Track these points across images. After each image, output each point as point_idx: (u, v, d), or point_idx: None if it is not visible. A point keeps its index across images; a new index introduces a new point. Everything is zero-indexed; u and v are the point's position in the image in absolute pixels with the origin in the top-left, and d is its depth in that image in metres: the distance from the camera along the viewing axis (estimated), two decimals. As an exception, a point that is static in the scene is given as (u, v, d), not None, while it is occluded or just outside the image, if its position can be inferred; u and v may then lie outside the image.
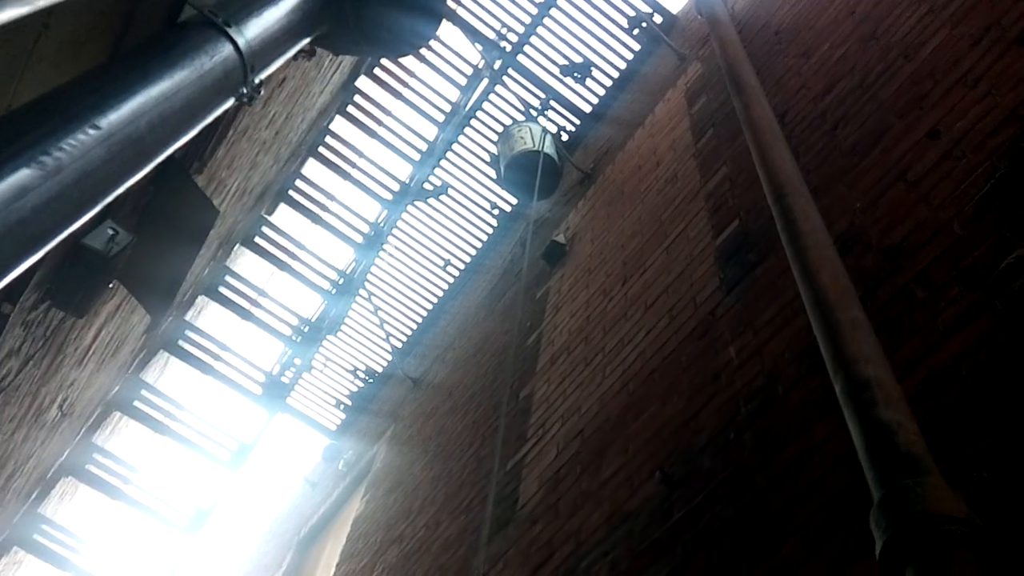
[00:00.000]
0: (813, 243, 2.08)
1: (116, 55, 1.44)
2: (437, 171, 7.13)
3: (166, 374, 7.12)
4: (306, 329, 7.54)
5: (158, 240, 2.32)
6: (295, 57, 2.02)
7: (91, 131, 1.23)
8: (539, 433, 3.74)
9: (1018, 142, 1.95)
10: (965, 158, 2.11)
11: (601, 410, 3.24)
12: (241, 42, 1.59)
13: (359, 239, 7.31)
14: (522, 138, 6.13)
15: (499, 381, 4.80)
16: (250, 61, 1.65)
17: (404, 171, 7.48)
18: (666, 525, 2.33)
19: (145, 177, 2.59)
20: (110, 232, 2.04)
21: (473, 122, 6.93)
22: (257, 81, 1.70)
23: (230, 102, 1.65)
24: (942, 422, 1.66)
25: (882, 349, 1.70)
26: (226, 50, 1.60)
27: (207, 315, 7.28)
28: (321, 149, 6.97)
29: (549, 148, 6.14)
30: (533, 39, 6.49)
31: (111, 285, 2.29)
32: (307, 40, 1.89)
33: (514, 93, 6.64)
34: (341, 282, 7.48)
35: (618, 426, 3.02)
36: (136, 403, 6.29)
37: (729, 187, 3.39)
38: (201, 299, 6.74)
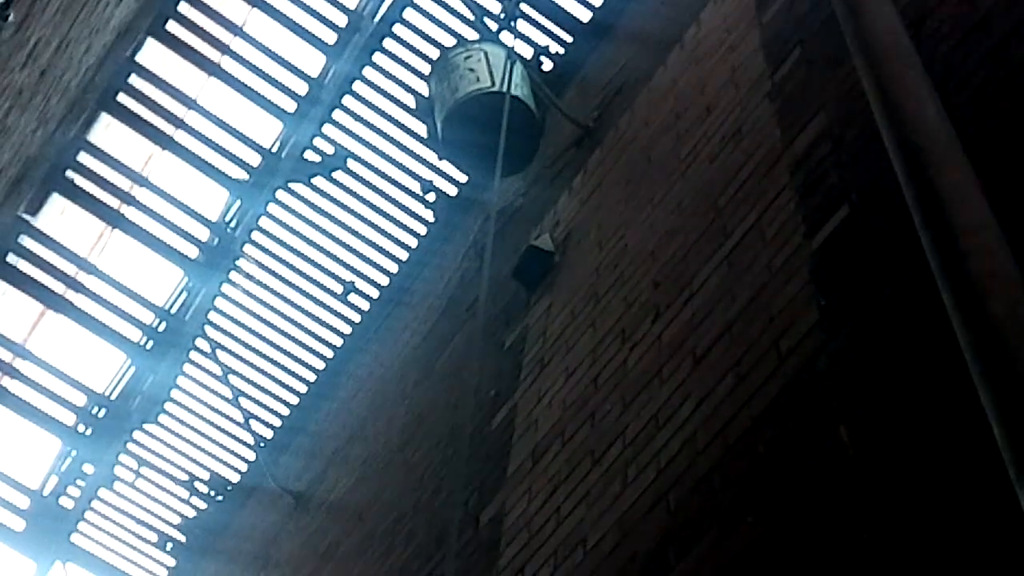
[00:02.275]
0: (979, 249, 2.07)
1: None
2: (327, 130, 7.09)
3: None
4: (101, 413, 7.40)
5: None
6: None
7: None
8: (515, 584, 3.75)
9: None
10: None
11: (623, 543, 3.26)
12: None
13: (192, 253, 7.23)
14: (472, 70, 6.15)
15: (445, 494, 4.79)
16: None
17: (269, 132, 7.43)
18: None
19: None
20: None
21: (388, 43, 6.90)
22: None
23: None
24: None
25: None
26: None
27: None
28: (121, 97, 6.85)
29: (521, 87, 6.13)
30: None
31: None
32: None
33: (457, -9, 6.66)
34: (162, 328, 7.38)
35: (652, 571, 3.02)
36: None
37: (831, 148, 3.42)
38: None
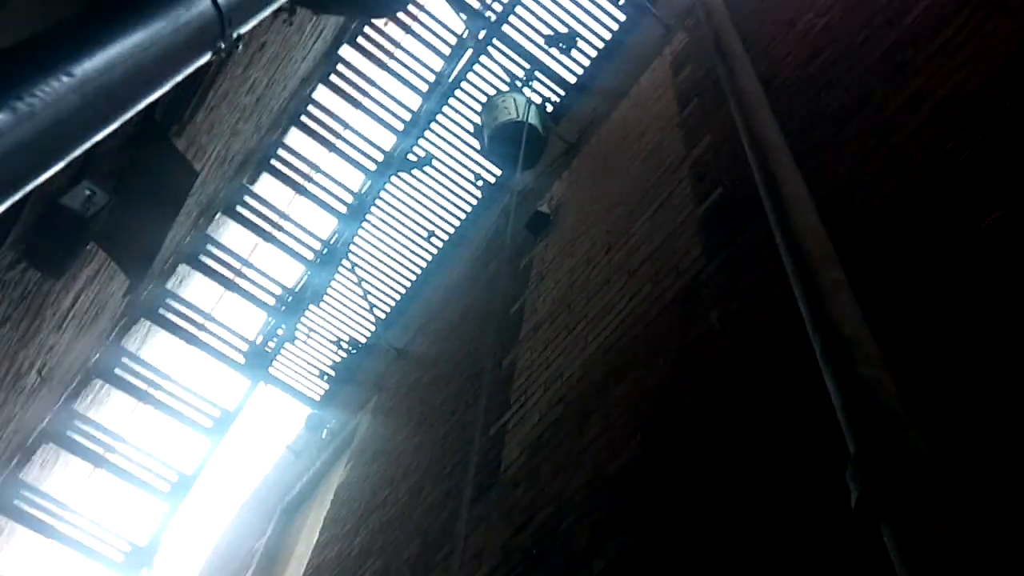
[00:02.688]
0: (796, 208, 2.09)
1: (90, 5, 1.40)
2: (421, 142, 7.08)
3: (148, 343, 7.04)
4: (289, 299, 7.44)
5: (137, 202, 2.28)
6: (275, 15, 1.98)
7: (65, 78, 1.20)
8: (521, 399, 3.75)
9: (999, 105, 1.95)
10: (947, 122, 2.11)
11: (584, 376, 3.26)
12: (219, -6, 1.55)
13: (342, 209, 7.24)
14: (506, 108, 6.10)
15: (482, 350, 4.79)
16: (228, 15, 1.62)
17: (388, 141, 7.42)
18: (646, 487, 2.35)
19: (124, 138, 2.54)
20: (87, 192, 2.00)
21: (457, 92, 6.87)
22: (235, 35, 1.67)
23: (207, 56, 1.61)
24: (919, 384, 1.67)
25: (861, 310, 1.70)
26: (203, 3, 1.57)
27: (189, 285, 7.21)
28: (304, 118, 6.88)
29: (534, 118, 6.10)
30: (518, 8, 6.43)
31: (88, 247, 2.26)
32: (287, -5, 1.85)
33: (499, 63, 6.59)
34: (324, 252, 7.39)
35: (600, 391, 3.03)
36: (117, 371, 6.22)
37: (713, 156, 3.40)
38: (183, 268, 6.66)
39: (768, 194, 2.23)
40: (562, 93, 6.70)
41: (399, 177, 7.19)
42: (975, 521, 1.30)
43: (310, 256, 7.32)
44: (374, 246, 7.45)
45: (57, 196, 1.97)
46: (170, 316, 6.75)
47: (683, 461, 2.27)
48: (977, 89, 2.08)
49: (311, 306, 7.50)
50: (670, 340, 2.78)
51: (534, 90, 6.69)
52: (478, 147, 6.99)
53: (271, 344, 7.72)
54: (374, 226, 7.37)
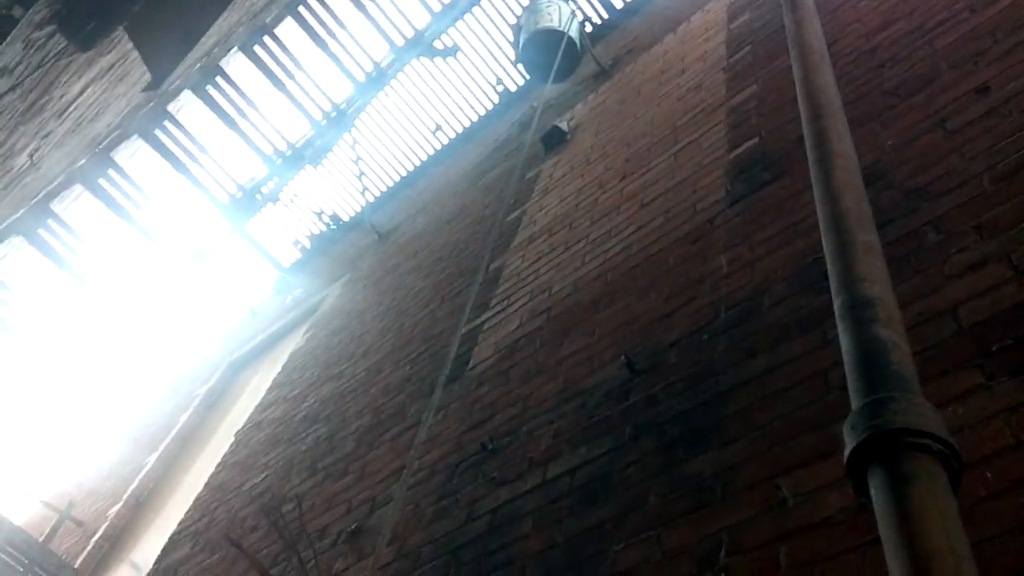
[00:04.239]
0: (842, 165, 2.03)
1: None
2: (452, 31, 6.85)
3: (135, 160, 6.86)
4: (288, 153, 7.26)
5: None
6: None
7: None
8: (503, 304, 3.73)
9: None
10: (1011, 117, 2.08)
11: (573, 293, 3.24)
12: None
13: (360, 77, 7.02)
14: (549, 15, 5.91)
15: (470, 250, 4.75)
16: None
17: (422, 19, 7.17)
18: (620, 406, 2.37)
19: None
20: (133, -30, 1.90)
21: (501, -14, 6.66)
22: None
23: None
24: (926, 359, 1.69)
25: (889, 276, 1.69)
26: None
27: (188, 112, 6.98)
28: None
29: (574, 32, 5.93)
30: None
31: (116, 33, 2.16)
32: None
33: (551, -34, 6.37)
34: (333, 115, 7.18)
35: (588, 311, 3.03)
36: (101, 181, 6.08)
37: (756, 105, 3.33)
38: (186, 95, 6.46)
39: (816, 147, 2.15)
40: (606, 16, 6.52)
41: (420, 62, 6.99)
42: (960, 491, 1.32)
43: (318, 116, 7.10)
44: (380, 126, 7.29)
45: (102, -35, 1.87)
46: (164, 139, 6.56)
47: (664, 391, 2.28)
48: (1051, 92, 2.05)
49: (307, 165, 7.29)
50: (672, 275, 2.76)
51: (578, 6, 6.51)
52: (506, 51, 6.80)
53: (258, 198, 7.54)
54: (384, 106, 7.19)
